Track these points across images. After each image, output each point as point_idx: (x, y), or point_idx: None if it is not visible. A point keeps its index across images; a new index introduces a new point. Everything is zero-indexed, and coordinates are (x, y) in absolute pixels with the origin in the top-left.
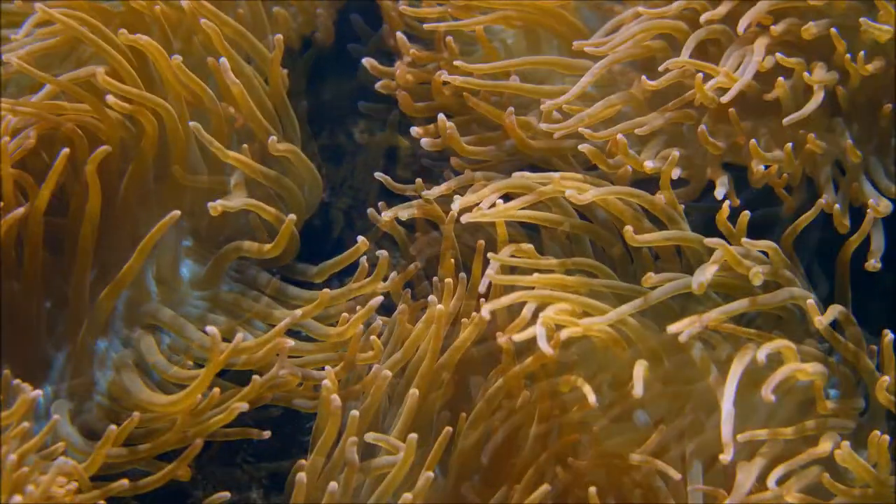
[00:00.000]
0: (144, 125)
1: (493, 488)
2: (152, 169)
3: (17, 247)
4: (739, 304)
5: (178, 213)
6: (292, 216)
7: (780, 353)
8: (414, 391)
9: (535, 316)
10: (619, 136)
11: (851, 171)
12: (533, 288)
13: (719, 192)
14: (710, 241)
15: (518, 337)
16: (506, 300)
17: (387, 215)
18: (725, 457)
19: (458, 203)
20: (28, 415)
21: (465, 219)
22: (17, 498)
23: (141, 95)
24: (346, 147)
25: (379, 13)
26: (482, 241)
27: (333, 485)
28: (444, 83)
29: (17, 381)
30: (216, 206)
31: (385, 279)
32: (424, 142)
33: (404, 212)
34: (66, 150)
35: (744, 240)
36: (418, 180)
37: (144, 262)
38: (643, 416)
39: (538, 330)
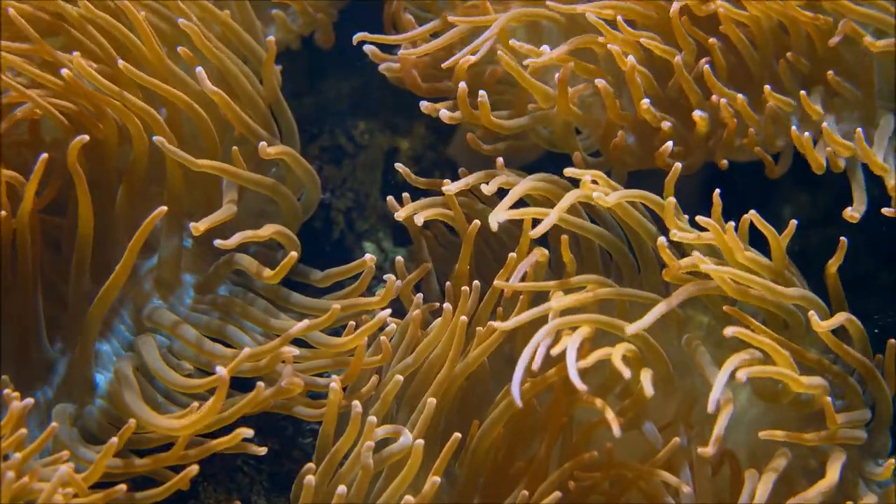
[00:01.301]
0: (131, 128)
1: (500, 496)
2: (149, 169)
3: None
4: (755, 280)
5: (164, 208)
6: (293, 254)
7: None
8: (431, 400)
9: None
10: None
11: (822, 129)
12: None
13: (697, 113)
14: (703, 220)
15: (555, 351)
16: (525, 317)
17: (400, 215)
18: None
19: (497, 217)
20: (21, 423)
21: (502, 218)
22: None
23: (131, 101)
24: (346, 148)
25: (380, 14)
26: (513, 255)
27: (342, 488)
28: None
29: (7, 391)
30: (198, 227)
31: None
32: (443, 113)
33: (421, 215)
34: (44, 156)
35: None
36: (446, 181)
37: (140, 261)
38: (651, 428)
39: (571, 372)
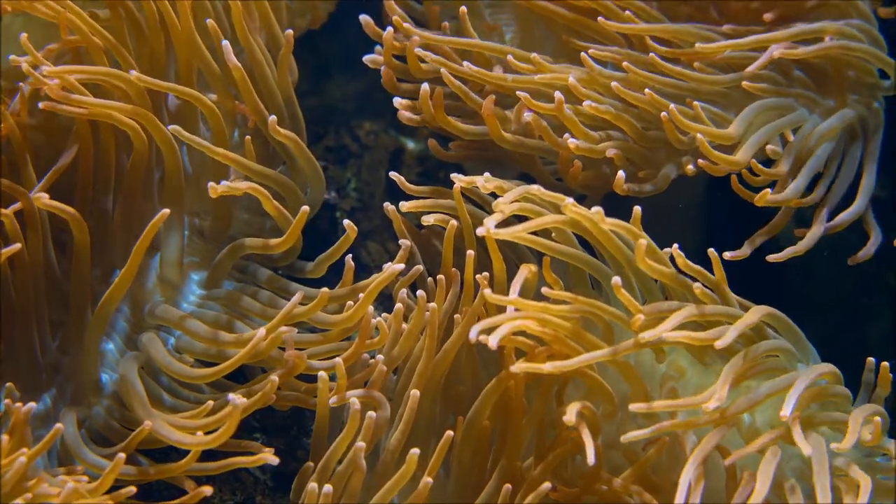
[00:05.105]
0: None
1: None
2: (154, 164)
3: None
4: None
5: (167, 211)
6: (305, 208)
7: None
8: (415, 392)
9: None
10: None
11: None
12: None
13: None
14: (668, 334)
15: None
16: (498, 318)
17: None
18: None
19: (490, 223)
20: (24, 430)
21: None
22: None
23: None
24: (351, 148)
25: (380, 11)
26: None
27: (328, 487)
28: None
29: (6, 402)
30: (216, 188)
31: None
32: (402, 114)
33: (430, 217)
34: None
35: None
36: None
37: (144, 263)
38: None
39: (502, 328)
